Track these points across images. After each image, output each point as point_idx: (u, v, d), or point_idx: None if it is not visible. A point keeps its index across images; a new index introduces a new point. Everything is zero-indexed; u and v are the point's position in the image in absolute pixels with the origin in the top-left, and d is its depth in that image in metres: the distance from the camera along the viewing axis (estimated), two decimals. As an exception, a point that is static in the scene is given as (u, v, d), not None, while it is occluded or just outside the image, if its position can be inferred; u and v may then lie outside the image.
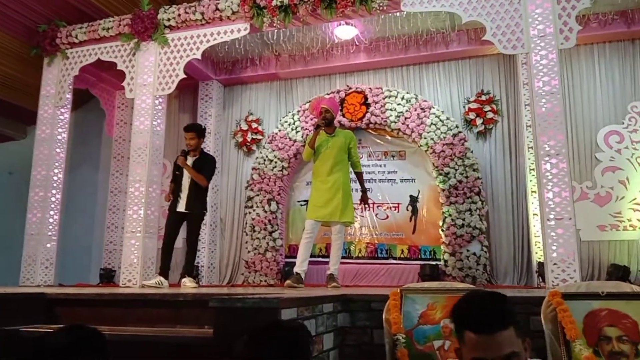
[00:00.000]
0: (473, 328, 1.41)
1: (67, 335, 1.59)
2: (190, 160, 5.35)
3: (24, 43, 6.92)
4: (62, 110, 6.86)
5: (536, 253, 5.92)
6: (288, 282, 4.87)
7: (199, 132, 5.43)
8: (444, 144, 6.43)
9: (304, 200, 6.98)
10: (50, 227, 6.60)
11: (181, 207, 5.28)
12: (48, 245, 6.53)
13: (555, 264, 4.60)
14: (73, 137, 7.78)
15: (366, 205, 5.38)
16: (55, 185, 6.69)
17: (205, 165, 5.40)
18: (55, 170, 6.72)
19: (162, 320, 3.21)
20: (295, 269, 4.98)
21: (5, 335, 3.12)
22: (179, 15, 6.21)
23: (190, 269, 5.32)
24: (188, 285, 5.11)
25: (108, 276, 7.17)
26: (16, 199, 8.14)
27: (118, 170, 7.82)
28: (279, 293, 3.14)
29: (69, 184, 7.66)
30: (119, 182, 7.77)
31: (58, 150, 6.78)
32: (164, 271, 5.26)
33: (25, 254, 6.46)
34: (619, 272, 5.50)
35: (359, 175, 5.32)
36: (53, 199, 6.66)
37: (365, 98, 6.87)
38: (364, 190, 5.30)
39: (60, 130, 6.83)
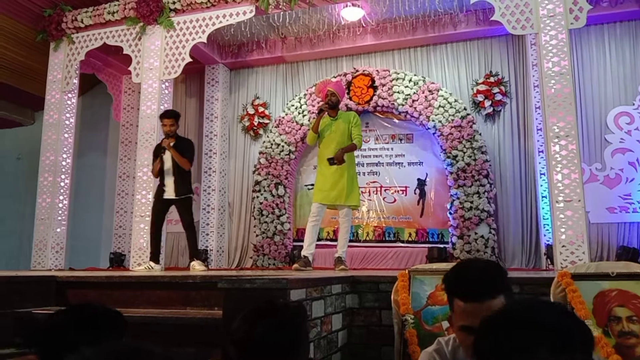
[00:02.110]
0: (461, 296, 1.40)
1: (76, 313, 1.60)
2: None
3: (30, 28, 6.92)
4: (69, 95, 6.87)
5: (545, 235, 5.91)
6: (296, 265, 4.89)
7: (177, 118, 5.42)
8: (452, 127, 6.39)
9: (311, 184, 6.96)
10: (60, 211, 6.65)
11: (168, 194, 5.26)
12: (58, 229, 6.58)
13: (564, 246, 4.59)
14: (80, 122, 7.81)
15: (335, 162, 4.83)
16: (64, 170, 6.73)
17: (186, 149, 5.39)
18: (64, 155, 6.75)
19: (172, 302, 3.24)
20: (303, 252, 4.99)
21: (18, 317, 3.17)
22: (184, -2, 6.17)
23: (196, 252, 5.36)
24: (197, 268, 5.15)
25: (118, 260, 7.23)
26: (25, 184, 8.22)
27: (126, 154, 7.84)
28: (287, 275, 3.15)
29: (77, 169, 7.70)
30: (127, 166, 7.79)
31: (66, 135, 6.81)
32: (154, 256, 5.33)
33: (35, 239, 6.53)
34: (629, 254, 5.48)
35: (352, 144, 4.94)
36: (62, 183, 6.70)
37: (373, 81, 6.82)
38: (341, 149, 4.85)
39: (67, 115, 6.85)
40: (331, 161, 4.84)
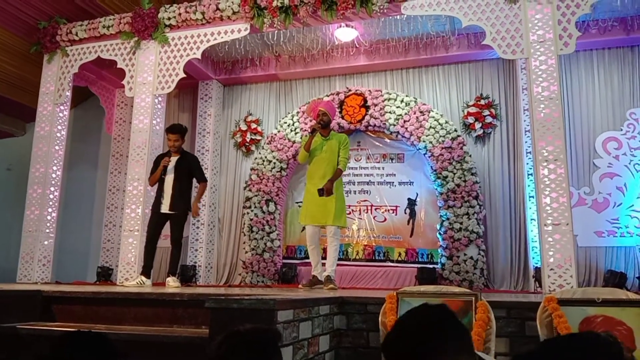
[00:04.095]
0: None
1: (69, 342, 1.60)
2: (173, 160, 5.38)
3: (24, 40, 6.92)
4: (62, 107, 6.86)
5: (533, 258, 5.93)
6: (301, 284, 5.07)
7: (183, 133, 5.45)
8: (442, 148, 6.43)
9: (302, 201, 6.98)
10: (48, 224, 6.59)
11: (165, 209, 5.29)
12: (45, 242, 6.52)
13: (552, 269, 4.62)
14: (72, 135, 7.78)
15: (324, 194, 4.91)
16: (53, 182, 6.69)
17: (196, 167, 5.52)
18: (54, 168, 6.72)
19: (159, 320, 3.21)
20: (312, 272, 5.15)
21: (1, 332, 3.12)
22: (180, 14, 6.22)
23: (175, 269, 5.36)
24: (172, 284, 5.17)
25: (105, 274, 7.16)
26: (14, 195, 8.14)
27: (117, 168, 7.82)
28: (275, 294, 3.14)
29: (67, 182, 7.66)
30: (118, 180, 7.76)
31: (57, 147, 6.78)
32: (146, 270, 5.32)
33: (22, 251, 6.46)
34: (616, 279, 5.51)
35: (338, 170, 5.04)
36: (51, 196, 6.65)
37: (365, 100, 6.88)
38: (330, 180, 4.96)
39: (59, 127, 6.83)
40: (320, 192, 4.90)
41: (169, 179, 5.32)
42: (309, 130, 5.38)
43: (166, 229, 5.50)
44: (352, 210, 6.86)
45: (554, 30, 5.01)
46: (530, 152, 5.86)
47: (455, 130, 6.53)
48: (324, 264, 5.10)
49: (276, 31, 6.24)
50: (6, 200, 8.56)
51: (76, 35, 6.69)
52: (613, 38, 6.10)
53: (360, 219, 6.93)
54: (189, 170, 5.42)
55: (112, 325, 3.22)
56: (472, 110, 6.60)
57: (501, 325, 2.70)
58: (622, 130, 6.09)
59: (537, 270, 5.57)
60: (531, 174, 5.87)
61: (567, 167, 4.83)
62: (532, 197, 5.84)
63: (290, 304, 2.38)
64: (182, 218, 5.39)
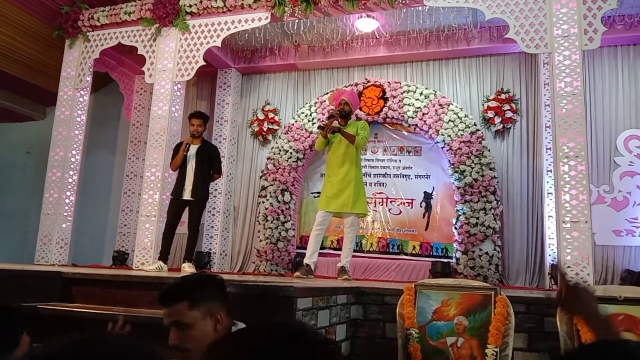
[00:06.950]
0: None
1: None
2: (193, 148, 5.51)
3: (47, 24, 6.98)
4: (82, 92, 6.92)
5: (549, 255, 5.88)
6: (297, 273, 4.92)
7: (205, 119, 5.59)
8: (461, 142, 6.39)
9: (318, 192, 6.96)
10: (67, 207, 6.67)
11: (187, 195, 5.39)
12: (63, 225, 6.60)
13: (569, 266, 4.57)
14: (91, 120, 7.84)
15: (324, 127, 5.03)
16: (72, 166, 6.76)
17: (216, 157, 5.61)
18: (73, 152, 6.79)
19: (176, 304, 3.24)
20: (305, 261, 5.02)
21: (23, 311, 3.17)
22: (201, 1, 6.22)
23: (191, 255, 5.46)
24: (187, 270, 5.26)
25: (121, 259, 7.24)
26: (33, 179, 8.26)
27: (134, 154, 7.88)
28: (291, 282, 3.15)
29: (85, 166, 7.73)
30: (135, 166, 7.83)
31: (76, 132, 6.85)
32: (164, 256, 5.40)
33: (40, 233, 6.55)
34: (633, 278, 5.45)
35: (354, 137, 5.01)
36: (70, 179, 6.73)
37: (384, 92, 6.84)
38: (341, 129, 5.02)
39: (79, 112, 6.89)
40: (321, 128, 5.04)
41: (191, 166, 5.42)
42: (327, 116, 5.35)
43: (183, 216, 5.58)
44: (368, 203, 6.83)
45: (579, 25, 4.93)
46: (550, 148, 5.80)
47: (475, 124, 6.47)
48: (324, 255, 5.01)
49: (296, 20, 6.21)
50: (25, 183, 8.68)
51: (98, 20, 6.73)
52: (639, 34, 5.99)
53: (376, 211, 6.92)
54: (209, 159, 5.52)
55: (130, 307, 3.26)
56: (492, 104, 6.53)
57: (520, 320, 2.69)
58: (644, 128, 5.99)
59: (553, 267, 5.53)
60: (550, 170, 5.81)
61: (587, 164, 4.77)
62: (551, 193, 5.79)
63: (309, 292, 2.39)
64: (202, 205, 5.49)
